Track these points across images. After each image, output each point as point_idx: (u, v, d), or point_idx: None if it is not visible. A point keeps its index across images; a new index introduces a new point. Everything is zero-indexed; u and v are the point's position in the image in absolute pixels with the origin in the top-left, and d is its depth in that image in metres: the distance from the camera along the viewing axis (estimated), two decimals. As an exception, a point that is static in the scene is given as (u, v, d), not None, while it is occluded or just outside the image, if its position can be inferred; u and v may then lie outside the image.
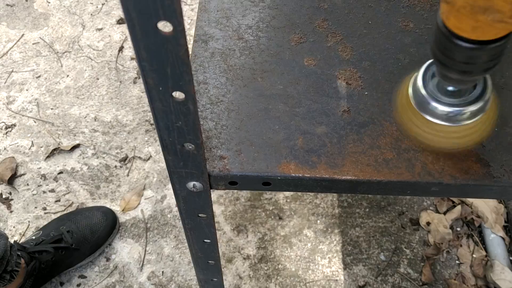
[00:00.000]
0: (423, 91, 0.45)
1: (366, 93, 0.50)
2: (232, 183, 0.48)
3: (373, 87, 0.50)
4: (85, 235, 1.06)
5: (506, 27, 0.33)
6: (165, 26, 0.31)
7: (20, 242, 1.02)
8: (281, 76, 0.53)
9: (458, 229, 1.16)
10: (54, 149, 1.23)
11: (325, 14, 0.56)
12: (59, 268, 1.04)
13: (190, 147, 0.42)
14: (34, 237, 1.04)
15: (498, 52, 0.38)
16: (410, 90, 0.47)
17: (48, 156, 1.22)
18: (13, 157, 1.22)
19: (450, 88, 0.45)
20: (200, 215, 0.52)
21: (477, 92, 0.45)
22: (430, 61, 0.46)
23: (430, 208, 1.19)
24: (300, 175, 0.46)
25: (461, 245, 1.13)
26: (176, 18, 0.30)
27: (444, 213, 1.17)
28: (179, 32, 0.32)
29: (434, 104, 0.45)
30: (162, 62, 0.34)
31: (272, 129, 0.49)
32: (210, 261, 0.62)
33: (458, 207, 1.16)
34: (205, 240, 0.57)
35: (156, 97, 0.37)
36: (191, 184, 0.47)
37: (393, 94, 0.49)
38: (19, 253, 0.95)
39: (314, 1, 0.57)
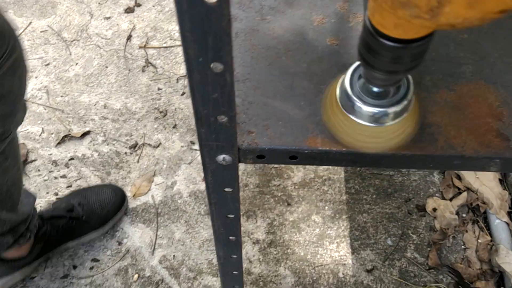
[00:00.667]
0: (349, 93, 0.45)
1: (389, 70, 0.51)
2: (260, 156, 0.50)
3: (396, 65, 0.52)
4: (95, 209, 1.09)
5: (423, 24, 0.33)
6: (211, -4, 0.33)
7: None
8: (305, 55, 0.54)
9: (464, 215, 1.18)
10: (65, 136, 1.24)
11: (346, -5, 0.57)
12: (68, 237, 1.07)
13: (223, 120, 0.44)
14: (46, 209, 1.07)
15: (420, 52, 0.38)
16: (338, 92, 0.47)
17: (59, 143, 1.24)
18: (24, 143, 1.23)
19: (376, 90, 0.45)
20: (226, 189, 0.54)
21: (401, 93, 0.45)
22: (357, 63, 0.46)
23: (436, 194, 1.21)
24: (327, 148, 0.48)
25: (466, 231, 1.16)
26: (223, -12, 0.32)
27: (450, 200, 1.19)
28: (224, 2, 0.33)
29: (360, 105, 0.44)
30: (204, 32, 0.35)
31: (298, 105, 0.51)
32: (231, 237, 0.64)
33: (464, 194, 1.18)
34: (229, 215, 0.59)
35: (195, 68, 0.38)
36: (221, 157, 0.49)
37: (323, 95, 0.50)
38: None
39: (336, -18, 0.58)
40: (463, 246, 1.14)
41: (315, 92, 0.51)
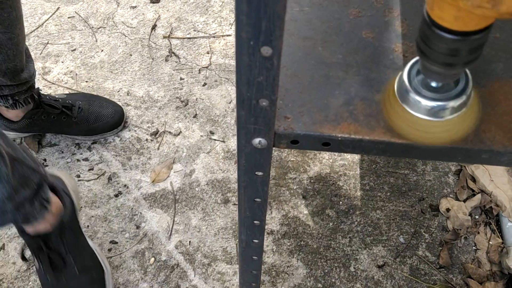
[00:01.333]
0: (407, 86, 0.46)
1: (422, 65, 0.53)
2: (294, 142, 0.52)
3: (429, 60, 0.54)
4: (89, 118, 1.19)
5: (485, 14, 0.34)
6: (270, -18, 0.35)
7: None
8: (341, 47, 0.56)
9: (477, 216, 1.19)
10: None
11: (383, -9, 0.59)
12: (54, 128, 1.19)
13: (264, 103, 0.46)
14: (55, 95, 1.18)
15: (478, 45, 0.39)
16: (396, 85, 0.49)
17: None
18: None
19: (434, 84, 0.46)
20: (257, 173, 0.56)
21: (459, 88, 0.46)
22: (415, 58, 0.48)
23: (450, 195, 1.22)
24: (360, 137, 0.50)
25: (478, 232, 1.17)
26: (282, -26, 0.34)
27: (464, 201, 1.20)
28: (282, -13, 0.35)
29: (418, 98, 0.46)
30: (259, 16, 0.37)
31: (333, 94, 0.53)
32: (256, 221, 0.66)
33: (478, 196, 1.20)
34: (256, 199, 0.61)
35: (245, 51, 0.41)
36: (257, 141, 0.51)
37: (380, 92, 0.51)
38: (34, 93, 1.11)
39: (372, -21, 0.60)
40: (474, 247, 1.15)
41: (350, 83, 0.53)
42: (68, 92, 1.29)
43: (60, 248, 0.93)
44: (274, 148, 0.53)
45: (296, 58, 0.55)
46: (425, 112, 0.46)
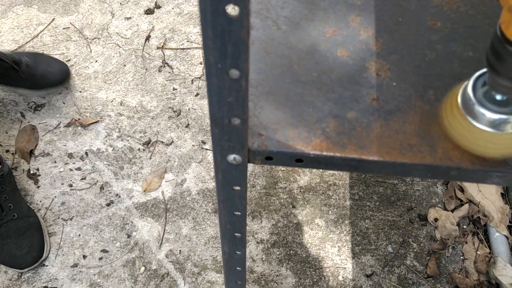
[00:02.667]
0: (472, 98, 0.48)
1: (394, 84, 0.55)
2: (268, 158, 0.53)
3: (401, 79, 0.55)
4: (36, 75, 1.27)
5: None
6: (233, 9, 0.36)
7: None
8: (316, 65, 0.58)
9: (465, 226, 1.20)
10: (75, 121, 1.29)
11: (358, 10, 0.61)
12: (3, 80, 1.26)
13: (236, 122, 0.47)
14: (2, 51, 1.22)
15: None
16: (459, 97, 0.50)
17: (73, 134, 1.28)
18: (34, 127, 1.28)
19: (499, 97, 0.48)
20: (234, 187, 0.57)
21: None
22: (480, 71, 0.49)
23: (439, 205, 1.23)
24: (331, 154, 0.51)
25: (466, 242, 1.18)
26: (244, 2, 0.35)
27: (452, 211, 1.21)
28: (245, 15, 0.36)
29: (482, 110, 0.47)
30: (224, 41, 0.39)
31: (307, 112, 0.54)
32: (237, 234, 0.67)
33: (466, 206, 1.21)
34: (236, 213, 0.62)
35: (214, 73, 0.42)
36: (231, 157, 0.52)
37: (442, 101, 0.53)
38: None
39: (348, -2, 0.62)
40: (462, 257, 1.16)
41: (323, 101, 0.55)
42: (14, 50, 1.38)
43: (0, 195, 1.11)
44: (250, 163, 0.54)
45: (272, 76, 0.57)
46: (488, 124, 0.48)
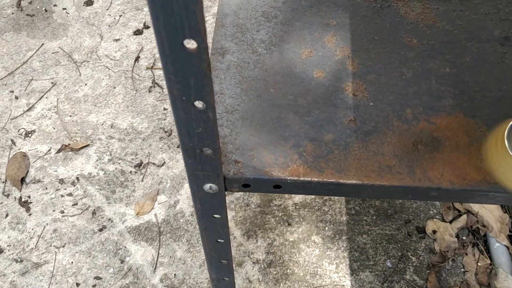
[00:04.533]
0: None
1: (371, 104, 0.54)
2: (245, 185, 0.52)
3: (378, 99, 0.54)
4: None
5: None
6: (190, 43, 0.35)
7: None
8: (292, 87, 0.57)
9: (464, 237, 1.18)
10: (65, 147, 1.28)
11: (334, 30, 0.60)
12: None
13: (208, 152, 0.46)
14: None
15: None
16: (506, 135, 0.48)
17: (64, 159, 1.27)
18: (25, 154, 1.27)
19: None
20: (214, 215, 0.56)
21: None
22: None
23: (436, 216, 1.21)
24: (309, 179, 0.50)
25: (466, 254, 1.16)
26: (201, 37, 0.34)
27: (450, 222, 1.19)
28: (203, 49, 0.36)
29: None
30: (186, 74, 0.38)
31: (283, 136, 0.53)
32: (222, 260, 0.66)
33: (464, 216, 1.19)
34: (219, 240, 0.61)
35: (179, 106, 0.41)
36: (207, 186, 0.51)
37: (486, 141, 0.51)
38: None
39: (324, 17, 0.61)
40: (462, 269, 1.14)
41: (300, 124, 0.54)
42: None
43: None
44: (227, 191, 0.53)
45: (248, 100, 0.56)
46: None
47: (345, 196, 0.52)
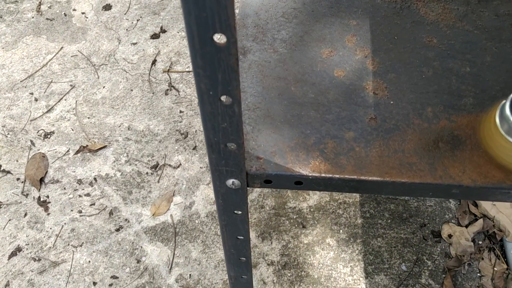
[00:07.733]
0: (510, 117, 0.48)
1: (392, 102, 0.54)
2: (267, 181, 0.53)
3: (398, 97, 0.55)
4: None
5: None
6: (220, 38, 0.36)
7: None
8: (313, 86, 0.57)
9: (480, 242, 1.17)
10: (83, 148, 1.30)
11: (354, 30, 0.61)
12: None
13: (232, 147, 0.47)
14: None
15: None
16: (497, 117, 0.50)
17: (82, 160, 1.29)
18: (44, 155, 1.30)
19: None
20: (235, 211, 0.57)
21: None
22: None
23: (452, 221, 1.21)
24: (330, 175, 0.51)
25: (482, 258, 1.15)
26: (230, 31, 0.36)
27: (466, 226, 1.19)
28: (232, 43, 0.37)
29: None
30: (214, 69, 0.39)
31: (304, 133, 0.54)
32: (241, 258, 0.66)
33: (480, 221, 1.18)
34: (239, 237, 0.62)
35: (206, 100, 0.42)
36: (230, 182, 0.52)
37: (478, 123, 0.52)
38: None
39: (344, 18, 0.62)
40: (478, 274, 1.13)
41: (321, 122, 0.54)
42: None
43: None
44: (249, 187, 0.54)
45: (270, 98, 0.57)
46: None
47: (366, 193, 0.52)
